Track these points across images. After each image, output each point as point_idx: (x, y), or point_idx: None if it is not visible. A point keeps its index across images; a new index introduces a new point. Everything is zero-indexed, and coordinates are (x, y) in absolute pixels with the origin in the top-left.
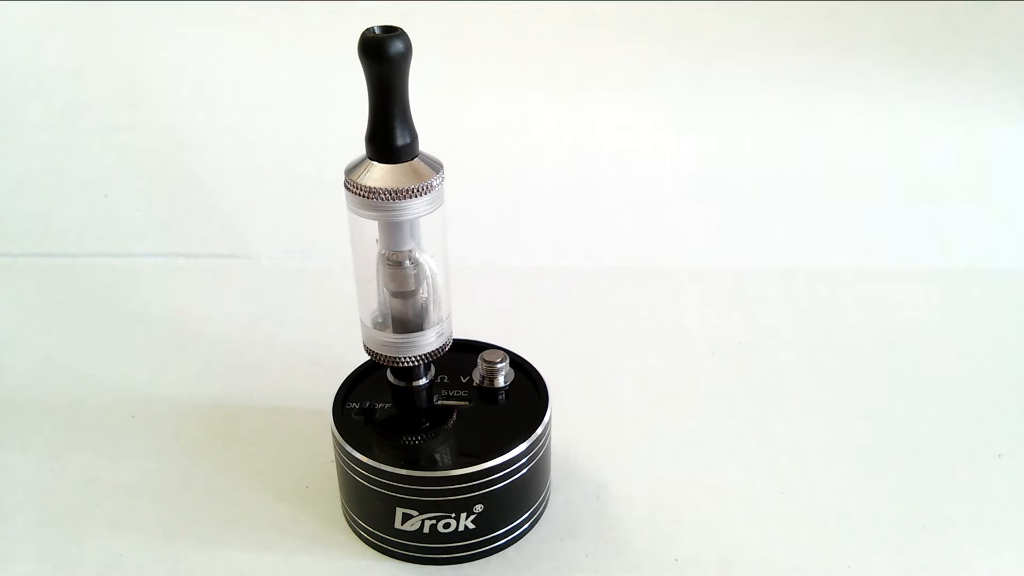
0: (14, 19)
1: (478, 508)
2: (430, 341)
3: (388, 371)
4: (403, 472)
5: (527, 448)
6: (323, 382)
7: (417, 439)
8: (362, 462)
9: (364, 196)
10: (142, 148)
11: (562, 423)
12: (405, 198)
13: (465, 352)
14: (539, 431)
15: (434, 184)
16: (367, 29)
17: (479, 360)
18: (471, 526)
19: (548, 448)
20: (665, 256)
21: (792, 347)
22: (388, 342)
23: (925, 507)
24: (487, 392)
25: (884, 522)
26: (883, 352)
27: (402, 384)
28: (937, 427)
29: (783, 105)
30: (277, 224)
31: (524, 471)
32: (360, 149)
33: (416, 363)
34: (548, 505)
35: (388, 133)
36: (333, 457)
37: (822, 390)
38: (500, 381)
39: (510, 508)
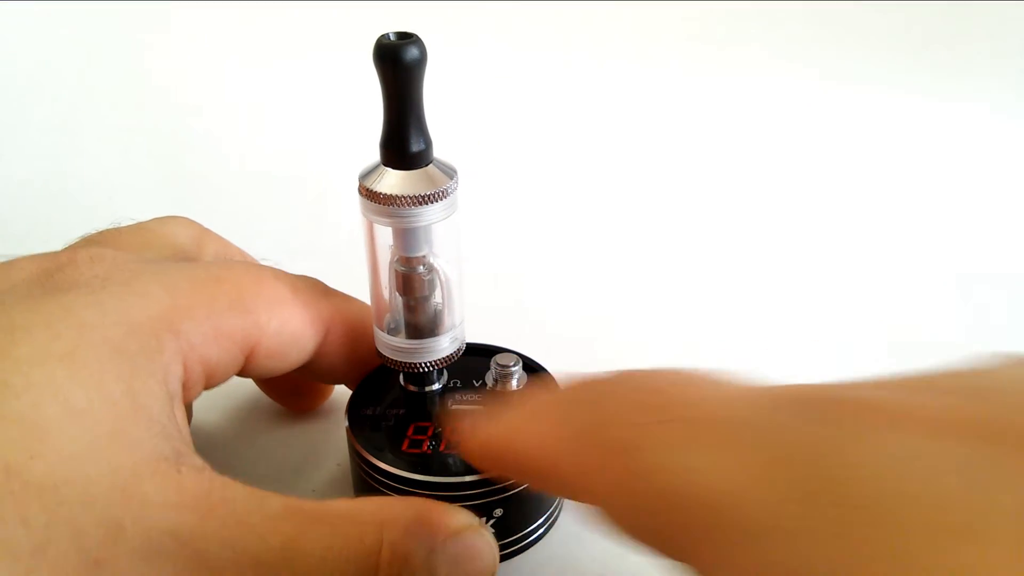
0: (18, 20)
1: (498, 512)
2: (444, 347)
3: (401, 376)
4: (426, 479)
5: None
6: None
7: (435, 444)
8: (382, 469)
9: (378, 202)
10: (147, 151)
11: None
12: (420, 204)
13: (477, 356)
14: None
15: (449, 190)
16: (382, 35)
17: (492, 364)
18: (491, 530)
19: None
20: (670, 259)
21: (796, 349)
22: (401, 347)
23: None
24: (500, 396)
25: None
26: (885, 354)
27: (416, 389)
28: None
29: (784, 105)
30: (283, 227)
31: None
32: (368, 152)
33: (430, 369)
34: (563, 509)
35: (403, 139)
36: (340, 461)
37: None
38: (513, 385)
39: (529, 511)
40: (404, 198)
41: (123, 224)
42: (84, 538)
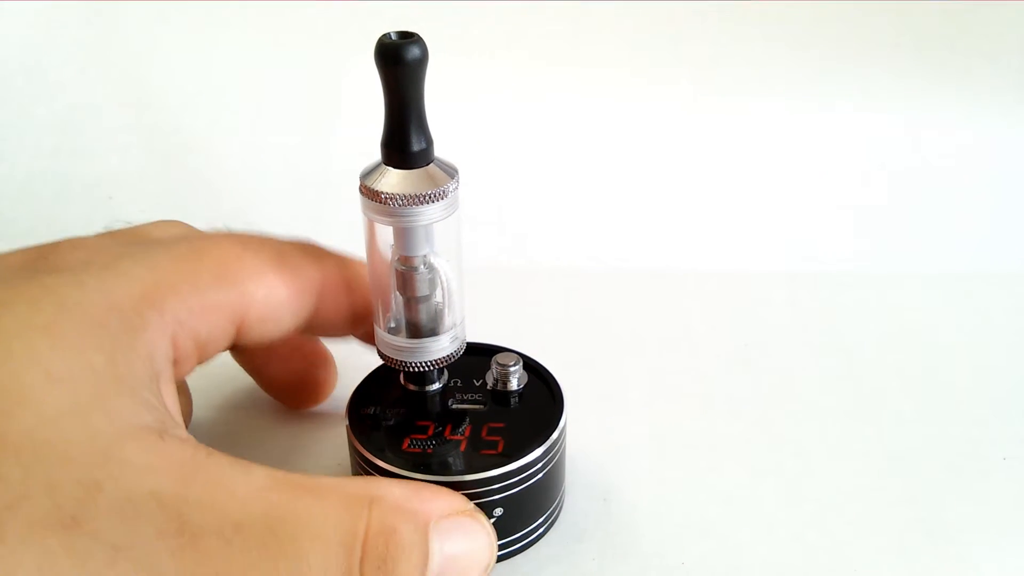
0: (18, 20)
1: (498, 512)
2: (444, 346)
3: (402, 376)
4: (426, 478)
5: (546, 450)
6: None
7: (435, 444)
8: (383, 469)
9: (379, 201)
10: (147, 150)
11: (568, 426)
12: (420, 204)
13: (478, 355)
14: (556, 433)
15: (449, 190)
16: (383, 35)
17: (492, 363)
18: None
19: (564, 450)
20: (669, 259)
21: (797, 350)
22: (402, 347)
23: (931, 510)
24: (501, 395)
25: (890, 526)
26: (888, 355)
27: (416, 388)
28: (942, 430)
29: (786, 108)
30: (284, 226)
31: (542, 474)
32: (369, 150)
33: (431, 368)
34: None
35: (404, 139)
36: (340, 461)
37: (827, 393)
38: (514, 384)
39: (529, 511)
40: (404, 197)
41: (115, 227)
42: (60, 495)
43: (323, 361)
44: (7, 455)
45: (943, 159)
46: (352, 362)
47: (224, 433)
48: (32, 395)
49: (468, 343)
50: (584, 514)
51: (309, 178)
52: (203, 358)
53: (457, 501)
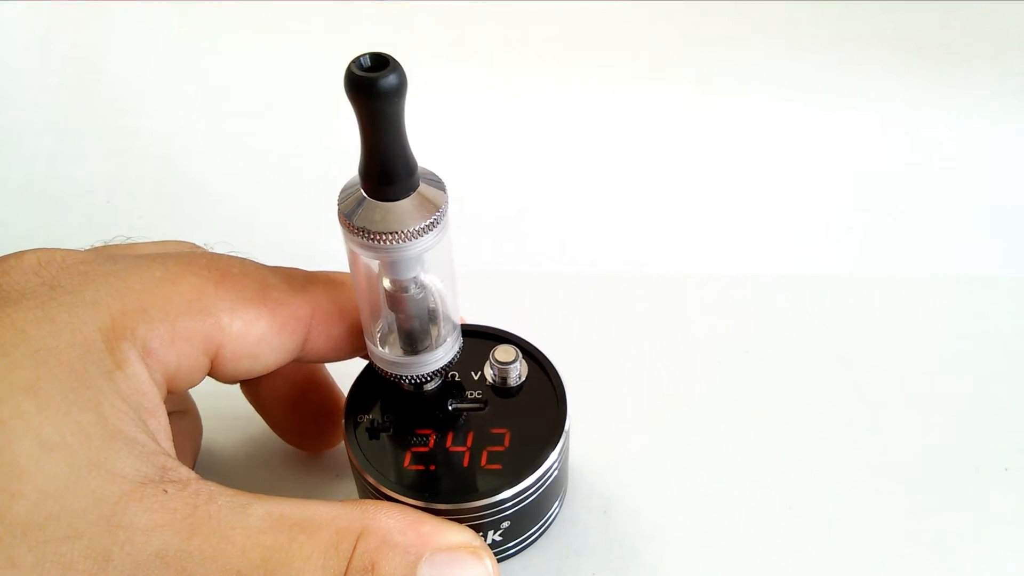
0: (16, 23)
1: (505, 524)
2: (440, 357)
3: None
4: (431, 506)
5: (552, 462)
6: None
7: (438, 459)
8: (390, 496)
9: (365, 237)
10: (144, 154)
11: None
12: (410, 239)
13: (474, 338)
14: (561, 439)
15: (439, 218)
16: (352, 62)
17: (491, 359)
18: (498, 539)
19: (568, 446)
20: (669, 263)
21: (798, 356)
22: (397, 362)
23: (933, 521)
24: (501, 391)
25: (892, 537)
26: (890, 362)
27: (412, 388)
28: (944, 439)
29: (786, 109)
30: (281, 231)
31: (550, 480)
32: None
33: (427, 380)
34: (556, 521)
35: (386, 173)
36: (339, 473)
37: (829, 401)
38: (513, 380)
39: (534, 516)
40: (391, 234)
41: (114, 242)
42: (73, 572)
43: (333, 409)
44: (16, 539)
45: (946, 160)
46: (343, 367)
47: (219, 446)
48: (29, 467)
49: (464, 327)
50: (584, 526)
51: (308, 181)
52: (174, 388)
53: (459, 535)
